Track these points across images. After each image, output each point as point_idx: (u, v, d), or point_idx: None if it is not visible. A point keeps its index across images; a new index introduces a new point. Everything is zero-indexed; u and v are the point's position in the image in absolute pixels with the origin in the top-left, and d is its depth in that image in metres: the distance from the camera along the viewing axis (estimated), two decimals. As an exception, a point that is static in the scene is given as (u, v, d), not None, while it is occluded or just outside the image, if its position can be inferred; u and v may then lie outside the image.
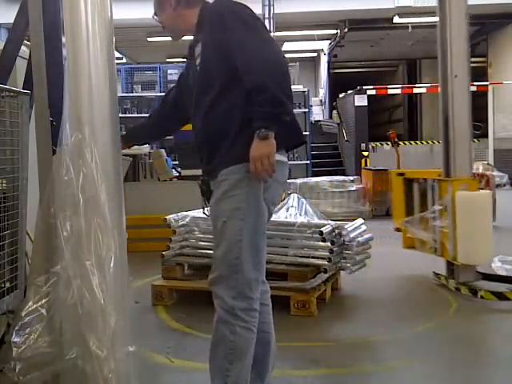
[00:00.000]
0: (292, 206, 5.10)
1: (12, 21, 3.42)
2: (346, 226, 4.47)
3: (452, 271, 4.75)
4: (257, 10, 11.24)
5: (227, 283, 2.34)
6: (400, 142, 10.83)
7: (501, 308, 4.20)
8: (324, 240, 4.24)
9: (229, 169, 2.32)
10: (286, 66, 2.31)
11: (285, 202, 5.22)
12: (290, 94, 2.26)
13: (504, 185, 13.20)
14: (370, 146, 12.94)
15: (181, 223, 4.74)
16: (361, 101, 12.97)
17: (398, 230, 5.64)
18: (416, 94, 18.04)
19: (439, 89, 5.27)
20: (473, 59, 17.77)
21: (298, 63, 14.90)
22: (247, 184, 2.28)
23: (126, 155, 6.88)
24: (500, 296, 4.34)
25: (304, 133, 13.63)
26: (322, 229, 4.24)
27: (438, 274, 4.92)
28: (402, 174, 5.72)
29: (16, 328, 2.35)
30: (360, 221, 4.79)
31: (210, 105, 2.38)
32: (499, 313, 4.14)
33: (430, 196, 5.04)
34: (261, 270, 2.40)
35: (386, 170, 9.61)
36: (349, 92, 14.07)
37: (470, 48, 4.89)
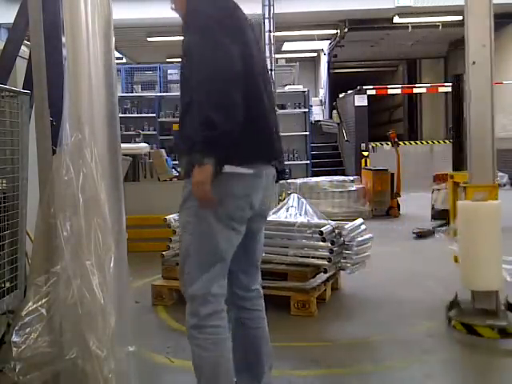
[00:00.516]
0: (292, 206, 5.10)
1: (12, 21, 3.42)
2: (345, 226, 4.47)
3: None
4: (257, 10, 11.24)
5: (186, 298, 2.37)
6: (400, 142, 10.83)
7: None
8: (324, 240, 4.24)
9: (187, 179, 2.20)
10: (230, 73, 2.06)
11: (285, 202, 5.22)
12: (231, 108, 2.06)
13: (504, 185, 13.20)
14: (370, 146, 12.95)
15: (181, 223, 4.73)
16: (361, 101, 12.99)
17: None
18: (416, 93, 18.05)
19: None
20: (473, 59, 17.84)
21: (297, 63, 14.91)
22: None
23: (125, 155, 6.90)
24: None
25: (304, 133, 13.66)
26: (322, 229, 4.24)
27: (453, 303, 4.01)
28: (452, 177, 5.45)
29: (16, 328, 2.35)
30: (360, 221, 4.79)
31: (186, 109, 2.25)
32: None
33: None
34: (218, 285, 2.28)
35: (386, 169, 9.62)
36: (349, 92, 14.08)
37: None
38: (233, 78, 2.06)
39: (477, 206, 3.87)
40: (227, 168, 2.12)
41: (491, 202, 3.89)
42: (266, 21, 11.05)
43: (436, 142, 14.43)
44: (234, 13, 2.28)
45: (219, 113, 2.01)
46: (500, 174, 13.18)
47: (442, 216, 7.95)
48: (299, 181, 9.90)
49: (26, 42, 3.36)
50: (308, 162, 13.60)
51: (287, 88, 13.70)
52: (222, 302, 2.32)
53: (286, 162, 8.01)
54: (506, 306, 3.84)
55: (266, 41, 11.10)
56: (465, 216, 3.90)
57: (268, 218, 4.12)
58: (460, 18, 13.53)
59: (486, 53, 3.95)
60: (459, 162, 7.95)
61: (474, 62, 3.85)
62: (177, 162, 8.55)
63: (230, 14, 2.24)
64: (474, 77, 3.93)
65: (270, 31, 11.02)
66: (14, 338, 2.33)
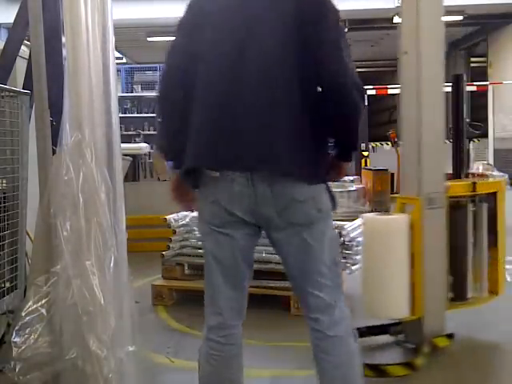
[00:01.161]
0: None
1: (12, 21, 3.42)
2: (345, 226, 4.46)
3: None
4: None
5: None
6: (400, 142, 10.83)
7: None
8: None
9: None
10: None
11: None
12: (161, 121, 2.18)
13: (504, 185, 13.20)
14: (370, 146, 12.94)
15: (181, 223, 4.74)
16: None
17: None
18: (416, 93, 18.01)
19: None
20: (473, 59, 17.84)
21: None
22: None
23: (126, 155, 6.90)
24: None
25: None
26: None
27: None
28: None
29: (16, 328, 2.36)
30: (360, 221, 4.78)
31: None
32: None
33: None
34: (210, 303, 2.12)
35: (386, 170, 9.62)
36: (349, 92, 14.05)
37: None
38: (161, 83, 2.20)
39: (381, 221, 3.34)
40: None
41: (398, 216, 3.34)
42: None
43: (436, 142, 14.39)
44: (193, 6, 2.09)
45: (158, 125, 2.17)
46: (500, 174, 13.18)
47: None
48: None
49: (26, 42, 3.36)
50: (308, 161, 13.58)
51: (287, 88, 13.69)
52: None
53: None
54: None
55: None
56: (367, 230, 3.34)
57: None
58: (460, 18, 13.54)
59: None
60: (459, 162, 7.95)
61: (406, 52, 3.38)
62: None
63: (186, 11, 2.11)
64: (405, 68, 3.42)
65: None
66: (14, 338, 2.34)
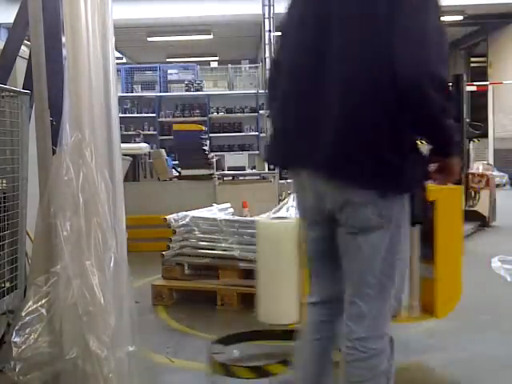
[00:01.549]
0: (292, 206, 5.09)
1: (12, 21, 3.42)
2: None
3: None
4: (257, 10, 11.24)
5: None
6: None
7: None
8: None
9: None
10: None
11: (285, 201, 5.21)
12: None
13: (504, 185, 13.20)
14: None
15: (181, 223, 4.74)
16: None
17: None
18: (416, 93, 17.99)
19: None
20: (473, 59, 17.84)
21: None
22: None
23: (125, 155, 6.90)
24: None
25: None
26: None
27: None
28: None
29: (16, 328, 2.36)
30: None
31: None
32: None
33: None
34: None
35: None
36: (349, 92, 14.05)
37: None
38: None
39: (270, 225, 3.44)
40: None
41: (287, 221, 3.42)
42: (266, 21, 11.04)
43: (436, 142, 14.37)
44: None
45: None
46: (500, 173, 13.18)
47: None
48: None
49: (26, 41, 3.36)
50: (308, 161, 13.58)
51: (287, 88, 13.68)
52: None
53: None
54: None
55: (266, 40, 11.10)
56: (259, 234, 3.37)
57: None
58: (460, 17, 13.53)
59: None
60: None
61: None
62: (177, 162, 8.56)
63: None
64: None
65: (270, 31, 11.01)
66: (15, 338, 2.34)
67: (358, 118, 1.79)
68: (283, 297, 3.26)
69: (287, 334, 3.00)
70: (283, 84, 2.01)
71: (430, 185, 2.17)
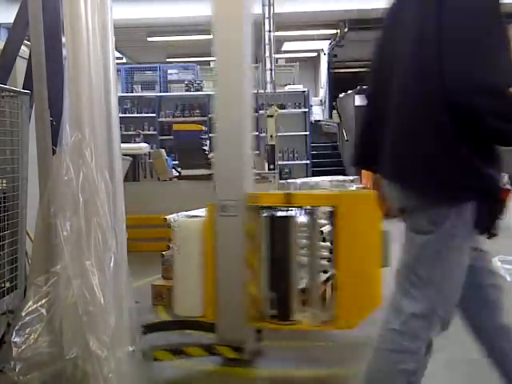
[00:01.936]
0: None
1: (12, 21, 3.42)
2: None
3: None
4: (257, 9, 11.24)
5: None
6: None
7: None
8: (324, 240, 4.22)
9: None
10: None
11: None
12: None
13: (504, 185, 13.20)
14: (370, 146, 12.93)
15: (181, 223, 4.73)
16: (361, 101, 12.96)
17: None
18: (416, 93, 18.00)
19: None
20: (473, 59, 17.84)
21: (297, 63, 14.91)
22: None
23: (126, 155, 6.90)
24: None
25: (304, 133, 13.66)
26: (321, 228, 4.23)
27: None
28: None
29: (16, 328, 2.36)
30: None
31: None
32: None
33: None
34: None
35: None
36: (349, 92, 14.08)
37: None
38: None
39: (181, 222, 4.14)
40: None
41: (194, 220, 3.88)
42: (266, 21, 11.04)
43: (436, 142, 14.38)
44: None
45: None
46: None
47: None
48: (299, 181, 9.89)
49: (26, 41, 3.36)
50: (308, 161, 13.59)
51: (287, 88, 13.70)
52: None
53: (286, 162, 7.98)
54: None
55: (266, 41, 11.10)
56: (176, 230, 4.03)
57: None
58: (460, 17, 13.52)
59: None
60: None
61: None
62: (177, 162, 8.57)
63: None
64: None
65: (269, 31, 11.02)
66: (15, 338, 2.34)
67: (410, 131, 1.84)
68: (187, 291, 3.74)
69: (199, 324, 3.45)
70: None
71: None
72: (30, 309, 2.37)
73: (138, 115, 13.59)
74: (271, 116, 9.84)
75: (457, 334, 3.68)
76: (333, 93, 16.88)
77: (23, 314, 2.37)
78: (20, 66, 3.51)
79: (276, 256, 3.21)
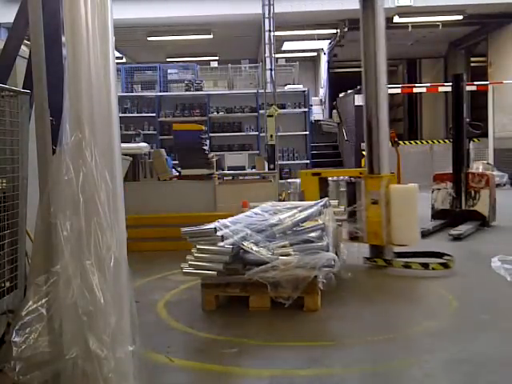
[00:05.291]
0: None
1: (12, 21, 3.43)
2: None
3: (379, 254, 5.56)
4: (257, 9, 11.24)
5: None
6: (400, 142, 10.83)
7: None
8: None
9: None
10: None
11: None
12: None
13: (504, 184, 13.20)
14: (370, 146, 12.92)
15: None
16: (361, 100, 12.97)
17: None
18: (416, 93, 18.04)
19: (363, 98, 5.81)
20: (473, 59, 17.85)
21: (297, 63, 14.91)
22: None
23: (125, 155, 6.90)
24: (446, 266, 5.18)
25: (304, 133, 13.66)
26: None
27: (369, 258, 5.58)
28: (318, 174, 6.17)
29: (16, 327, 2.35)
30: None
31: None
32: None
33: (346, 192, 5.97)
34: None
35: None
36: (349, 91, 14.08)
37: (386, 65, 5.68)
38: None
39: (407, 188, 5.55)
40: None
41: (413, 185, 5.53)
42: (266, 20, 11.04)
43: (436, 142, 14.42)
44: None
45: None
46: (500, 173, 13.18)
47: (442, 215, 7.95)
48: (299, 180, 9.89)
49: (26, 41, 3.36)
50: (308, 161, 13.60)
51: (287, 87, 13.71)
52: None
53: (286, 162, 8.15)
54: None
55: (266, 40, 11.10)
56: (398, 195, 5.42)
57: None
58: (460, 17, 13.53)
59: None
60: (459, 162, 7.96)
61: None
62: (177, 162, 8.57)
63: None
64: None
65: (269, 31, 11.02)
66: (14, 338, 2.33)
67: None
68: (412, 228, 5.44)
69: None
70: None
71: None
72: (30, 309, 2.37)
73: (138, 115, 13.60)
74: (271, 116, 9.83)
75: (456, 334, 3.70)
76: (333, 92, 16.88)
77: (23, 313, 2.37)
78: (20, 66, 3.52)
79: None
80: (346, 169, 6.52)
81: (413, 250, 5.58)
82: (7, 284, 3.00)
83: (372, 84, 5.57)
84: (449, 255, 5.33)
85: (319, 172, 6.27)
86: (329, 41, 16.37)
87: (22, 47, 3.55)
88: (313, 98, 16.47)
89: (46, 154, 2.51)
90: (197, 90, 13.54)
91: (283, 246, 4.27)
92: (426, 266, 5.19)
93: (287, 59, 15.28)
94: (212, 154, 8.21)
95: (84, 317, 2.29)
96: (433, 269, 5.14)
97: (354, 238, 5.62)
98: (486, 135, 14.26)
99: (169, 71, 14.20)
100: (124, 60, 17.56)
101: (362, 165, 11.25)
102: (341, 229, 5.29)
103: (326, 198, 5.20)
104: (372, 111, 5.58)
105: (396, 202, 5.36)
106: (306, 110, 13.72)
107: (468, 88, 10.80)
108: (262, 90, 11.64)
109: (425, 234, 7.08)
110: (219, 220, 4.45)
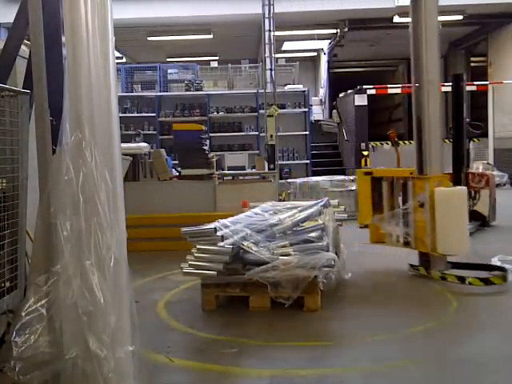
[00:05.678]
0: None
1: (12, 21, 3.43)
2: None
3: (426, 262, 5.09)
4: (257, 9, 11.24)
5: None
6: (400, 142, 10.84)
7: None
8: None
9: None
10: None
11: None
12: None
13: (504, 184, 13.20)
14: (370, 146, 12.94)
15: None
16: (361, 100, 12.98)
17: (364, 226, 5.72)
18: (416, 93, 18.01)
19: (412, 92, 5.27)
20: (473, 59, 17.83)
21: (298, 63, 14.91)
22: None
23: (125, 155, 6.90)
24: (486, 281, 4.67)
25: (304, 133, 13.66)
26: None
27: (413, 265, 5.18)
28: (369, 173, 5.76)
29: (16, 327, 2.35)
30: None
31: None
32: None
33: (398, 193, 5.41)
34: None
35: (386, 169, 9.64)
36: (349, 91, 14.08)
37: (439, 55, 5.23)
38: None
39: (452, 191, 5.02)
40: None
41: (461, 188, 5.14)
42: (266, 20, 11.04)
43: (436, 142, 14.39)
44: None
45: None
46: (500, 173, 13.18)
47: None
48: (299, 180, 9.90)
49: (26, 41, 3.36)
50: (308, 161, 13.60)
51: (287, 87, 13.70)
52: None
53: (286, 162, 8.19)
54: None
55: (266, 40, 11.10)
56: (443, 199, 4.88)
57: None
58: (460, 17, 13.52)
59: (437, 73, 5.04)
60: (459, 162, 7.95)
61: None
62: (177, 162, 8.57)
63: None
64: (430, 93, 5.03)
65: (269, 31, 11.01)
66: (15, 338, 2.33)
67: None
68: (458, 235, 4.93)
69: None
70: None
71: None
72: (30, 309, 2.37)
73: (138, 115, 13.60)
74: (271, 116, 9.83)
75: (457, 334, 3.69)
76: (333, 92, 16.87)
77: (23, 313, 2.37)
78: (20, 66, 3.52)
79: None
80: (399, 168, 6.11)
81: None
82: (7, 284, 3.00)
83: (422, 77, 5.15)
84: (503, 269, 4.86)
85: (370, 171, 5.85)
86: (329, 41, 16.37)
87: (22, 47, 3.55)
88: (313, 98, 16.47)
89: (46, 154, 2.51)
90: (197, 90, 13.53)
91: (283, 246, 4.28)
92: (462, 279, 4.77)
93: (287, 59, 15.27)
94: (212, 153, 8.21)
95: (84, 317, 2.29)
96: (469, 283, 4.72)
97: (406, 243, 5.22)
98: (486, 135, 14.25)
99: (169, 71, 14.19)
100: (124, 60, 17.55)
101: (362, 165, 11.28)
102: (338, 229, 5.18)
103: (326, 198, 5.20)
104: (423, 106, 5.07)
105: (440, 206, 4.85)
106: (306, 110, 13.71)
107: (468, 88, 10.81)
108: (262, 90, 11.64)
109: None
110: (219, 220, 4.45)
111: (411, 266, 5.20)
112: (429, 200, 4.89)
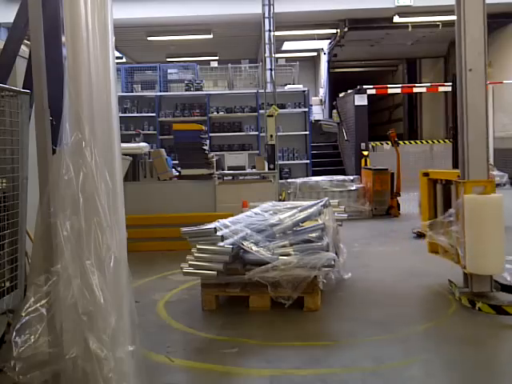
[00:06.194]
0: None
1: (12, 21, 3.43)
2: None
3: (467, 279, 4.32)
4: (257, 9, 11.24)
5: None
6: (400, 142, 10.84)
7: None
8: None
9: None
10: None
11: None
12: None
13: (504, 184, 13.19)
14: (370, 146, 12.94)
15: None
16: (361, 100, 12.97)
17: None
18: (416, 93, 18.04)
19: (458, 83, 4.35)
20: (473, 59, 17.82)
21: (297, 63, 14.91)
22: None
23: (126, 155, 6.90)
24: (499, 310, 3.95)
25: (304, 132, 13.66)
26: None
27: (451, 282, 4.53)
28: (426, 175, 5.10)
29: (16, 327, 2.36)
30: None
31: None
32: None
33: (451, 198, 4.63)
34: None
35: (386, 169, 9.64)
36: (349, 91, 14.07)
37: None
38: None
39: (484, 199, 4.14)
40: None
41: (497, 195, 4.21)
42: (266, 20, 11.04)
43: (436, 142, 14.41)
44: None
45: None
46: (500, 173, 13.17)
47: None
48: (299, 180, 9.90)
49: (25, 41, 3.36)
50: (308, 161, 13.60)
51: (287, 87, 13.70)
52: None
53: (286, 162, 8.18)
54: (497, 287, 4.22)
55: (266, 40, 11.09)
56: (474, 208, 4.14)
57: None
58: (460, 17, 13.50)
59: (481, 61, 4.15)
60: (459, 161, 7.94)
61: (470, 69, 4.12)
62: (177, 162, 8.57)
63: None
64: (470, 83, 4.21)
65: (269, 31, 11.00)
66: (15, 338, 2.34)
67: None
68: (491, 252, 4.09)
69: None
70: None
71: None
72: (30, 309, 2.37)
73: (138, 115, 13.60)
74: (271, 116, 9.83)
75: (457, 334, 3.69)
76: (333, 92, 16.87)
77: (23, 313, 2.37)
78: (20, 66, 3.52)
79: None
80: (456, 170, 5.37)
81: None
82: (7, 284, 3.00)
83: (465, 69, 4.19)
84: None
85: (427, 172, 5.10)
86: (329, 41, 16.37)
87: (22, 47, 3.55)
88: (313, 98, 16.47)
89: (46, 154, 2.51)
90: (197, 89, 13.53)
91: (283, 246, 4.28)
92: (497, 309, 3.97)
93: (287, 59, 15.27)
94: (212, 153, 8.21)
95: (84, 317, 2.30)
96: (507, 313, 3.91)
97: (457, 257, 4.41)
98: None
99: (169, 71, 14.19)
100: (124, 60, 17.55)
101: (362, 165, 11.28)
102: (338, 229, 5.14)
103: (326, 198, 5.20)
104: (466, 104, 4.22)
105: (470, 217, 4.10)
106: (306, 109, 13.71)
107: (468, 88, 10.76)
108: (262, 90, 11.63)
109: (424, 235, 7.07)
110: (219, 220, 4.45)
111: (449, 281, 4.55)
112: (461, 208, 4.21)
